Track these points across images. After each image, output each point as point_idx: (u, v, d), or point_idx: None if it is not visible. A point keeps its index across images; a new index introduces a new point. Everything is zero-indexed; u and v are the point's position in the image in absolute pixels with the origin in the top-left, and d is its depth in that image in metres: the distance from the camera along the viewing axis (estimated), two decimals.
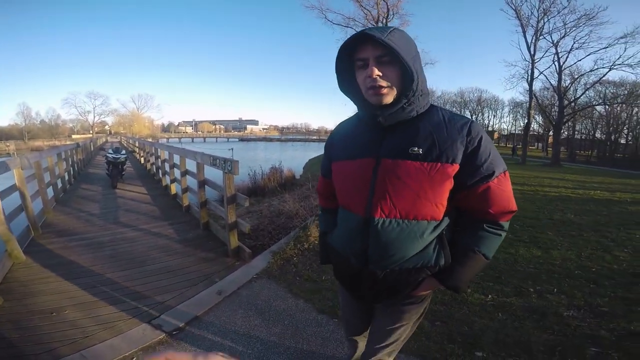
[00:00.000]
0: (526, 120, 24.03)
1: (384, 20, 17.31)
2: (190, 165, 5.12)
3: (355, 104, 0.96)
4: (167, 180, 7.33)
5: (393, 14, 17.40)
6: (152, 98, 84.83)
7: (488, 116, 59.08)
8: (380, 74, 0.81)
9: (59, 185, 6.75)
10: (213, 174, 4.31)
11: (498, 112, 58.90)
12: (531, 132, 32.08)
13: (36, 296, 2.62)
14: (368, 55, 0.82)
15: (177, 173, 5.90)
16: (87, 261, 3.36)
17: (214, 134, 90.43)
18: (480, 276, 2.82)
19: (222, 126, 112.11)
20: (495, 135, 63.61)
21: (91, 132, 57.88)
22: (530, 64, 21.00)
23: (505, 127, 60.69)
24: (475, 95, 56.84)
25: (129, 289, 2.77)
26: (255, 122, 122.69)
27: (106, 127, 66.47)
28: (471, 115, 57.23)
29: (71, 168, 8.81)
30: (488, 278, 2.83)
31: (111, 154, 8.47)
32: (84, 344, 2.04)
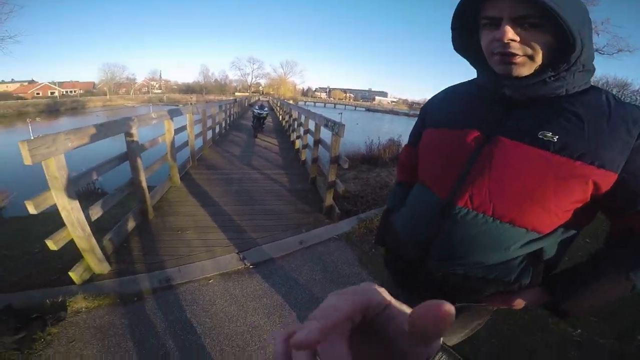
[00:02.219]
0: None
1: None
2: (312, 125, 5.45)
3: (474, 67, 0.72)
4: (294, 136, 8.14)
5: None
6: (297, 64, 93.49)
7: None
8: (518, 38, 0.57)
9: (217, 130, 8.43)
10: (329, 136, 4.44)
11: None
12: None
13: (174, 215, 3.41)
14: (501, 14, 0.57)
15: (301, 131, 6.46)
16: (218, 193, 4.17)
17: (343, 102, 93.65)
18: None
19: (352, 95, 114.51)
20: None
21: (248, 91, 69.81)
22: None
23: None
24: None
25: (237, 222, 3.30)
26: (384, 94, 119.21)
27: (260, 88, 78.69)
28: None
29: (228, 118, 10.86)
30: (595, 312, 2.09)
31: (257, 109, 9.92)
32: (186, 260, 2.55)
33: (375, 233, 2.92)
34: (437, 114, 0.81)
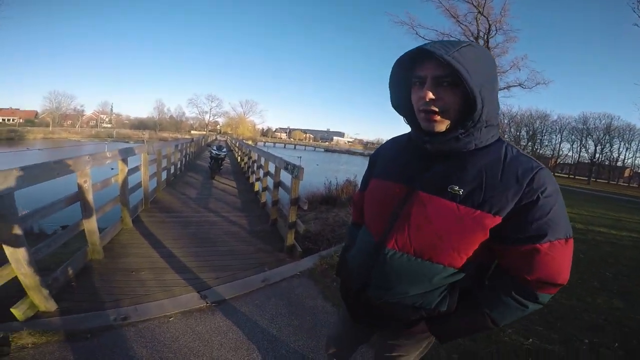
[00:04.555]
0: None
1: (485, 37, 15.24)
2: (272, 168, 5.60)
3: (407, 123, 0.88)
4: (253, 178, 8.17)
5: (496, 29, 15.07)
6: (257, 104, 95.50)
7: (619, 148, 47.88)
8: (435, 97, 0.72)
9: (172, 170, 8.18)
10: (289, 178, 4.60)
11: (633, 144, 47.32)
12: None
13: (127, 257, 3.23)
14: (426, 74, 0.72)
15: (261, 173, 6.54)
16: (174, 235, 4.02)
17: (303, 142, 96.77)
18: (531, 319, 2.41)
19: (311, 135, 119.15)
20: (627, 173, 52.28)
21: (205, 130, 68.84)
22: None
23: None
24: (603, 122, 46.00)
25: (196, 262, 3.21)
26: (341, 134, 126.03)
27: (218, 126, 78.04)
28: (595, 146, 46.57)
29: (184, 158, 10.60)
30: (540, 322, 2.42)
31: (215, 150, 9.87)
32: (142, 300, 2.44)
33: (334, 269, 3.06)
34: (379, 165, 0.97)
